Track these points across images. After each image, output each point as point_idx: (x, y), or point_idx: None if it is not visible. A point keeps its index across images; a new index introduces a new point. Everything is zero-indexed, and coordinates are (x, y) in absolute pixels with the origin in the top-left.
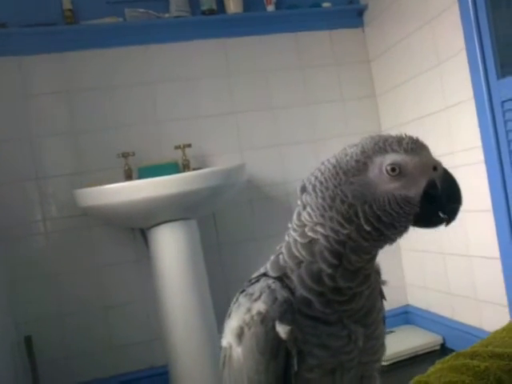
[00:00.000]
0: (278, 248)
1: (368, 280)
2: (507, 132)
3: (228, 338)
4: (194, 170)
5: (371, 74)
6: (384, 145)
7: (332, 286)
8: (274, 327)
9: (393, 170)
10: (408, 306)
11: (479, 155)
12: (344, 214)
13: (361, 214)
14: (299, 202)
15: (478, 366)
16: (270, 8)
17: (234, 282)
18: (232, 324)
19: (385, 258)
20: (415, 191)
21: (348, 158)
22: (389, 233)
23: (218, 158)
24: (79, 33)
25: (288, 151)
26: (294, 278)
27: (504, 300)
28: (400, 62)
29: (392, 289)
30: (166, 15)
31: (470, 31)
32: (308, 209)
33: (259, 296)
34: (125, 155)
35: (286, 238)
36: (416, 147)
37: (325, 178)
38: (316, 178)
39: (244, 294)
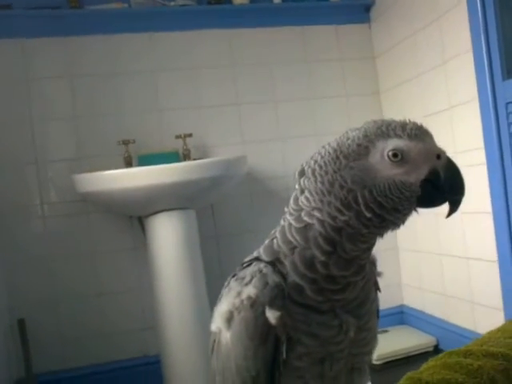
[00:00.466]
0: (272, 232)
1: (363, 270)
2: (510, 134)
3: (217, 323)
4: (194, 160)
5: (376, 70)
6: (387, 129)
7: (325, 273)
8: (263, 312)
9: (395, 155)
10: (403, 306)
11: (481, 157)
12: (343, 199)
13: (361, 200)
14: (297, 186)
15: (472, 365)
16: (277, 0)
17: (230, 274)
18: (222, 308)
19: (382, 257)
20: (416, 178)
21: (349, 141)
22: (391, 218)
23: (218, 148)
24: (83, 17)
25: (289, 145)
26: (286, 263)
27: (499, 304)
28: (405, 60)
29: (388, 288)
30: (172, 3)
31: (477, 31)
32: (306, 193)
33: (250, 280)
34: (125, 142)
35: (282, 222)
36: (420, 133)
37: (324, 162)
38: (316, 161)
39: (235, 277)
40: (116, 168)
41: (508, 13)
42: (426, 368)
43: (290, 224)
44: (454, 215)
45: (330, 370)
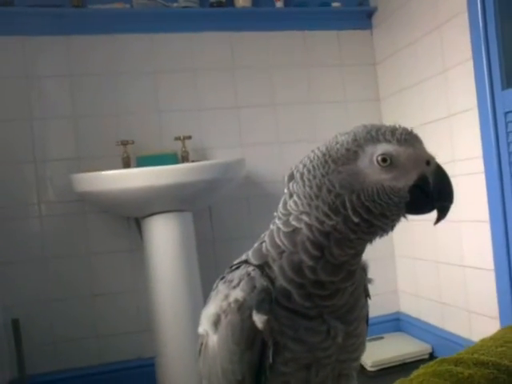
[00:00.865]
0: (262, 236)
1: (352, 276)
2: (509, 143)
3: (204, 325)
4: (192, 162)
5: (376, 76)
6: (376, 134)
7: (313, 278)
8: (250, 316)
9: (384, 160)
10: (399, 312)
11: (479, 165)
12: (330, 204)
13: (348, 205)
14: (286, 190)
15: (462, 373)
16: (279, 4)
17: None
18: (209, 311)
19: (379, 263)
20: (404, 183)
21: (338, 146)
22: (380, 223)
23: (217, 151)
24: (85, 17)
25: (288, 149)
26: (275, 267)
27: (495, 312)
28: (406, 67)
29: (384, 295)
30: (174, 5)
31: (477, 40)
32: (295, 197)
33: (238, 283)
34: (124, 143)
35: (271, 226)
36: (410, 138)
37: (313, 166)
38: (304, 165)
39: (223, 280)
40: (114, 168)
41: (508, 22)
42: (416, 376)
43: (279, 228)
44: (452, 223)
45: (316, 376)
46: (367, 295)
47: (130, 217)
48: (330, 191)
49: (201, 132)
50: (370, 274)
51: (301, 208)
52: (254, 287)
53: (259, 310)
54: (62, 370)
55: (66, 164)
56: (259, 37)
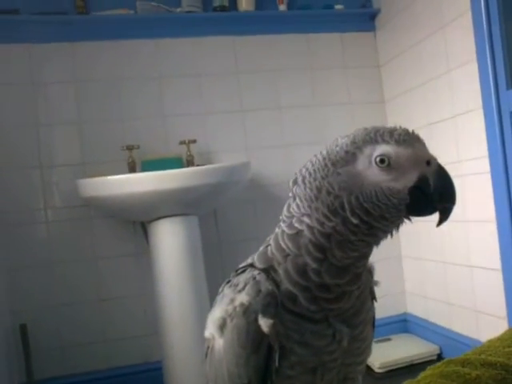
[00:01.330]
0: (267, 239)
1: (359, 280)
2: None
3: (210, 329)
4: (197, 166)
5: (381, 78)
6: (375, 135)
7: (318, 281)
8: (256, 320)
9: (382, 161)
10: (407, 314)
11: (485, 165)
12: (329, 205)
13: (347, 206)
14: (290, 194)
15: (469, 374)
16: (282, 7)
17: None
18: (215, 315)
19: (386, 264)
20: (404, 184)
21: (338, 148)
22: (379, 225)
23: (222, 155)
24: (90, 23)
25: (293, 152)
26: (280, 271)
27: (503, 312)
28: (410, 68)
29: (391, 296)
30: (178, 10)
31: (481, 40)
32: (297, 200)
33: (243, 287)
34: (129, 148)
35: (276, 229)
36: (409, 139)
37: (314, 170)
38: (306, 169)
39: (229, 284)
40: (120, 173)
41: None
42: (424, 377)
43: (283, 231)
44: (459, 223)
45: (321, 380)
46: (373, 298)
47: (135, 221)
48: (329, 193)
49: (206, 136)
50: (377, 276)
51: (302, 210)
52: (260, 291)
53: (265, 314)
54: (70, 374)
55: (71, 169)
56: (263, 40)
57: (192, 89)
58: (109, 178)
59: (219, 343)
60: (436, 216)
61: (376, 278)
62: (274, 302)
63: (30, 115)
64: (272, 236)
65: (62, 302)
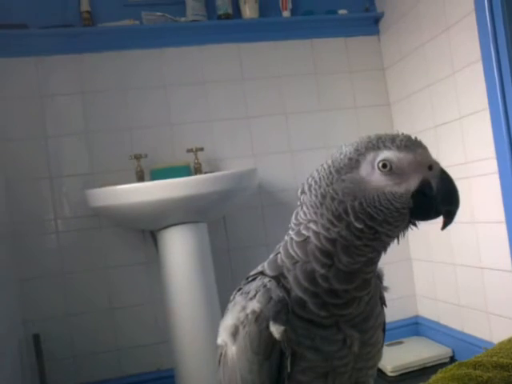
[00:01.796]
0: (277, 247)
1: (368, 285)
2: None
3: (223, 336)
4: (205, 173)
5: (386, 81)
6: (377, 142)
7: (326, 287)
8: (267, 327)
9: (384, 166)
10: (418, 316)
11: (493, 166)
12: (334, 211)
13: (350, 211)
14: (298, 203)
15: (481, 377)
16: (286, 14)
17: None
18: (227, 322)
19: (396, 267)
20: (406, 188)
21: (342, 156)
22: (384, 229)
23: (230, 162)
24: (96, 35)
25: (300, 157)
26: (290, 277)
27: None
28: (415, 71)
29: (402, 299)
30: (183, 19)
31: (486, 41)
32: (304, 207)
33: (254, 295)
34: (137, 157)
35: (286, 237)
36: (410, 145)
37: (319, 178)
38: (313, 178)
39: (240, 292)
40: (129, 182)
41: None
42: (435, 380)
43: (291, 238)
44: (468, 225)
45: None
46: (383, 303)
47: (145, 230)
48: (333, 199)
49: (213, 143)
50: (387, 279)
51: (309, 217)
52: (271, 298)
53: (276, 321)
54: (83, 383)
55: (80, 179)
56: (267, 47)
57: (198, 97)
58: (117, 187)
59: (232, 350)
60: (441, 219)
61: (386, 281)
62: (285, 309)
63: (38, 127)
64: (281, 244)
65: (74, 312)
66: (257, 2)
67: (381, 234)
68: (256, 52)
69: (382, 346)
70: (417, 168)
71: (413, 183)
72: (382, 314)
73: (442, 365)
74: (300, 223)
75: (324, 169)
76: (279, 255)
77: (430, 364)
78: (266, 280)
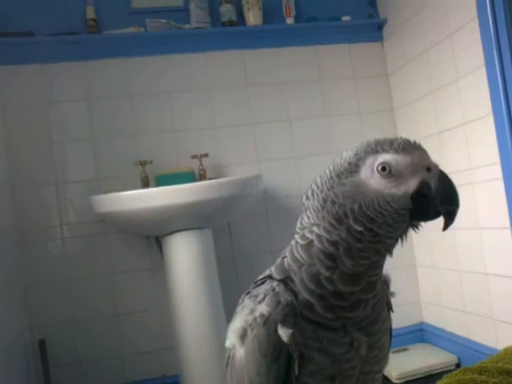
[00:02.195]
0: (284, 251)
1: (373, 288)
2: None
3: (231, 339)
4: (210, 179)
5: (389, 87)
6: (376, 146)
7: (331, 289)
8: (276, 330)
9: (383, 169)
10: (423, 323)
11: (497, 172)
12: (334, 214)
13: (349, 214)
14: (303, 208)
15: (486, 382)
16: (290, 21)
17: None
18: (236, 325)
19: (401, 274)
20: (404, 190)
21: (342, 161)
22: (384, 232)
23: (234, 168)
24: (101, 42)
25: (305, 163)
26: (296, 281)
27: None
28: (419, 77)
29: (407, 305)
30: (187, 26)
31: (489, 47)
32: (307, 212)
33: (263, 298)
34: (142, 163)
35: (292, 241)
36: (408, 147)
37: (321, 183)
38: (315, 183)
39: (249, 295)
40: (134, 188)
41: None
42: None
43: (297, 242)
44: (473, 231)
45: None
46: (390, 308)
47: (150, 236)
48: (334, 202)
49: (217, 149)
50: (392, 285)
51: (312, 220)
52: (279, 302)
53: (284, 324)
54: None
55: (86, 186)
56: (271, 53)
57: (202, 103)
58: (123, 193)
59: (240, 353)
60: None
61: (391, 287)
62: (293, 312)
63: (43, 133)
64: (288, 248)
65: (79, 317)
66: (260, 9)
67: (381, 236)
68: (260, 58)
69: (388, 351)
70: (415, 170)
71: (411, 185)
72: (388, 318)
73: (448, 372)
74: (304, 227)
75: (326, 174)
76: (286, 259)
77: (436, 371)
78: (275, 284)
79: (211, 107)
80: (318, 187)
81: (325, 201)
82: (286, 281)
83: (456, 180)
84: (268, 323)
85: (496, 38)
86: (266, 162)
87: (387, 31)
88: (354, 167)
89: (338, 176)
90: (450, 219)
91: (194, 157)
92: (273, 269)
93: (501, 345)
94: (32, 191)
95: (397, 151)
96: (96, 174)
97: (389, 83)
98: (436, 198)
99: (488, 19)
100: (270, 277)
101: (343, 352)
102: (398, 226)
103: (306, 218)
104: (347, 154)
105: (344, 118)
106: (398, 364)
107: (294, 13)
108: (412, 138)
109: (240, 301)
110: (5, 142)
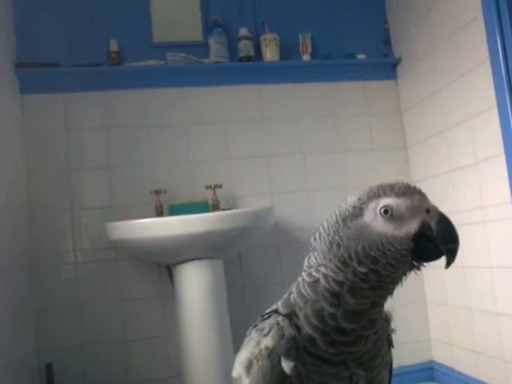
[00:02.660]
0: (290, 287)
1: (374, 325)
2: None
3: (238, 369)
4: (223, 210)
5: (403, 125)
6: (378, 190)
7: (334, 325)
8: (279, 362)
9: (385, 212)
10: (433, 362)
11: (509, 211)
12: (340, 257)
13: (354, 256)
14: (311, 248)
15: None
16: (306, 57)
17: None
18: (242, 356)
19: (410, 310)
20: (406, 231)
21: (347, 205)
22: (387, 272)
23: (247, 199)
24: (121, 73)
25: (317, 197)
26: (301, 315)
27: None
28: (431, 115)
29: (416, 343)
30: (206, 60)
31: (501, 86)
32: (315, 253)
33: (268, 332)
34: (157, 192)
35: (299, 278)
36: (408, 191)
37: (328, 226)
38: (323, 226)
39: (256, 328)
40: (148, 217)
41: None
42: None
43: (303, 279)
44: (484, 269)
45: None
46: (390, 344)
47: (161, 264)
48: (339, 246)
49: (231, 181)
50: (401, 321)
51: (319, 261)
52: (283, 336)
53: (287, 357)
54: None
55: (100, 212)
56: (287, 89)
57: (218, 135)
58: (136, 221)
59: (246, 383)
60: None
61: (400, 323)
62: (296, 346)
63: (62, 160)
64: (294, 284)
65: (88, 343)
66: (278, 46)
67: (385, 277)
68: (276, 93)
69: None
70: (415, 212)
71: (413, 226)
72: (388, 354)
73: None
74: (311, 266)
75: (332, 218)
76: (292, 295)
77: None
78: (280, 318)
79: (226, 139)
80: (324, 230)
81: (331, 244)
82: (290, 315)
83: (467, 218)
84: (272, 355)
85: (507, 78)
86: (279, 194)
87: (401, 69)
88: (358, 211)
89: (344, 220)
90: (451, 257)
91: (208, 187)
92: (279, 303)
93: None
94: (47, 216)
95: (398, 195)
96: (111, 201)
97: (402, 121)
98: (437, 238)
99: (499, 62)
100: (276, 311)
101: None
102: (400, 266)
103: (313, 258)
104: (352, 199)
105: (357, 154)
106: None
107: (310, 50)
108: (424, 177)
109: (247, 333)
110: (25, 168)
